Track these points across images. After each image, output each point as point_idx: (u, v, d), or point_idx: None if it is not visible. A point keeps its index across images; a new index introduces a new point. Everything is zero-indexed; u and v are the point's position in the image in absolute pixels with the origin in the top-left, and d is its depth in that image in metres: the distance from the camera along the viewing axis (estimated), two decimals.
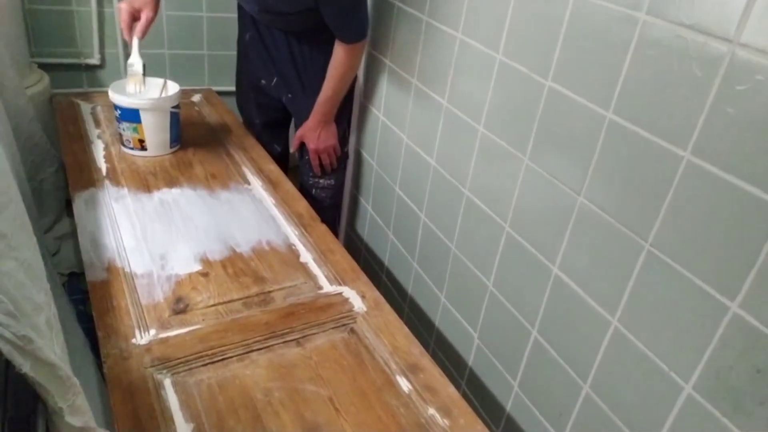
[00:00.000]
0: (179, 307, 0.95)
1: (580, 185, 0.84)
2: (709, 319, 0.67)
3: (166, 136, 1.39)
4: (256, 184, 1.33)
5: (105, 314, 0.91)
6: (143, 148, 1.38)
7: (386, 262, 1.45)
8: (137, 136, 1.37)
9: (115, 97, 1.33)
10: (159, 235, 1.12)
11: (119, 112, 1.35)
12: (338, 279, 1.05)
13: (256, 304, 0.97)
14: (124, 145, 1.40)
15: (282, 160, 1.55)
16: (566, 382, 0.90)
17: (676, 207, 0.71)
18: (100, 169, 1.32)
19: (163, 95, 1.40)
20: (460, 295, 1.16)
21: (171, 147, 1.42)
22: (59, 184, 1.62)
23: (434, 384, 0.86)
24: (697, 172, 0.68)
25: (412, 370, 0.88)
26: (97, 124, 1.54)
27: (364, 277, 1.06)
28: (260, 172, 1.38)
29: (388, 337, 0.93)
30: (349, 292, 1.02)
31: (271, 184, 1.33)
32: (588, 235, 0.84)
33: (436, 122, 1.16)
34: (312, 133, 1.39)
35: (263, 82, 1.47)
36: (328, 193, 1.51)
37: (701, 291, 0.68)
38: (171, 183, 1.30)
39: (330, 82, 1.31)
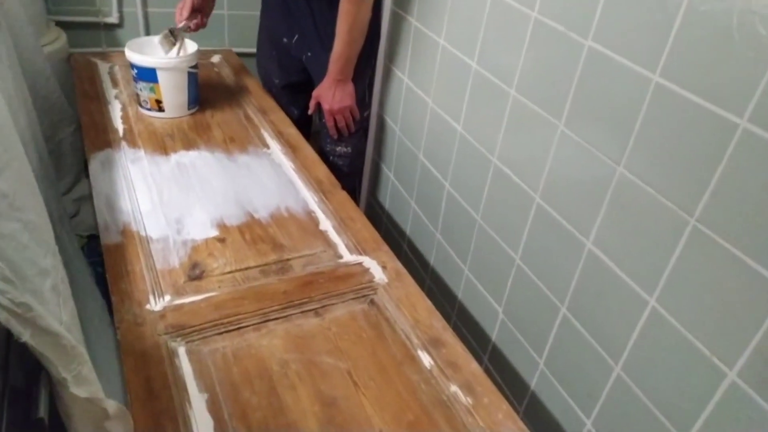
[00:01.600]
0: (195, 273, 0.92)
1: (620, 154, 0.78)
2: (761, 302, 0.62)
3: (184, 97, 1.35)
4: (275, 147, 1.29)
5: (119, 279, 0.89)
6: (161, 109, 1.34)
7: (408, 232, 1.41)
8: (154, 97, 1.33)
9: (132, 55, 1.29)
10: (175, 199, 1.09)
11: (136, 71, 1.31)
12: (359, 248, 1.01)
13: (274, 272, 0.94)
14: (141, 106, 1.36)
15: (302, 123, 1.50)
16: (596, 362, 0.85)
17: (728, 180, 0.65)
18: (116, 130, 1.29)
19: (181, 55, 1.36)
20: (485, 268, 1.11)
21: (189, 109, 1.38)
22: (78, 144, 1.59)
23: (457, 360, 0.82)
24: (754, 142, 0.62)
25: (434, 344, 0.84)
26: (115, 83, 1.50)
27: (385, 247, 1.02)
28: (280, 136, 1.33)
29: (410, 309, 0.90)
30: (369, 262, 0.98)
31: (291, 149, 1.29)
32: (627, 208, 0.78)
33: (464, 85, 1.10)
34: (327, 92, 1.33)
35: (285, 40, 1.41)
36: (345, 161, 1.46)
37: (752, 271, 0.63)
38: (189, 145, 1.26)
39: (339, 36, 1.25)
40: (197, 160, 1.21)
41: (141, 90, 1.33)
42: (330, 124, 1.39)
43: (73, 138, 1.60)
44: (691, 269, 0.70)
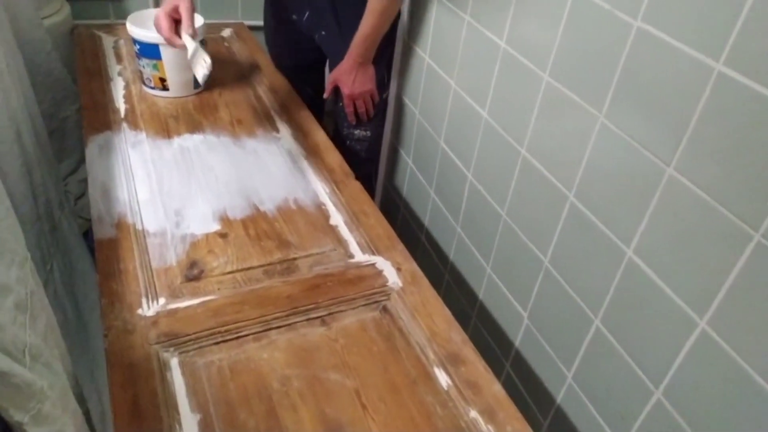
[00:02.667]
0: (193, 273, 0.84)
1: (671, 154, 0.68)
2: None
3: (190, 75, 1.26)
4: (285, 132, 1.20)
5: (110, 278, 0.81)
6: (165, 88, 1.26)
7: (426, 223, 1.32)
8: (158, 74, 1.24)
9: (134, 30, 1.21)
10: (176, 187, 1.01)
11: (138, 47, 1.23)
12: (371, 247, 0.93)
13: (279, 273, 0.86)
14: (144, 84, 1.28)
15: (315, 105, 1.41)
16: (633, 383, 0.77)
17: None
18: (118, 110, 1.22)
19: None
20: (510, 269, 1.02)
21: (195, 88, 1.30)
22: (83, 122, 1.53)
23: (478, 380, 0.74)
24: None
25: (452, 361, 0.76)
26: (119, 59, 1.42)
27: (400, 246, 0.94)
28: (291, 119, 1.24)
29: (426, 319, 0.81)
30: (383, 263, 0.90)
31: (302, 133, 1.20)
32: (676, 215, 0.68)
33: (491, 67, 0.99)
34: (347, 76, 1.23)
35: (294, 17, 1.30)
36: (364, 146, 1.36)
37: None
38: (193, 128, 1.18)
39: (370, 16, 1.15)
40: (201, 145, 1.13)
41: (144, 67, 1.25)
42: (350, 109, 1.29)
43: (78, 116, 1.53)
44: (752, 290, 0.61)
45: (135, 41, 1.22)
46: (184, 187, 1.01)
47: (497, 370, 1.09)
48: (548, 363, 0.94)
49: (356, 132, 1.33)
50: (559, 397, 0.92)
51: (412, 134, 1.33)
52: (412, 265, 0.90)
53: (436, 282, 1.27)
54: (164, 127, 1.18)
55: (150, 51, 1.21)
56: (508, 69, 0.96)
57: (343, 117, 1.32)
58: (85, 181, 1.59)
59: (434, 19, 1.17)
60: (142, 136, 1.14)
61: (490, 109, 1.02)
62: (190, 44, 1.11)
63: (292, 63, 1.40)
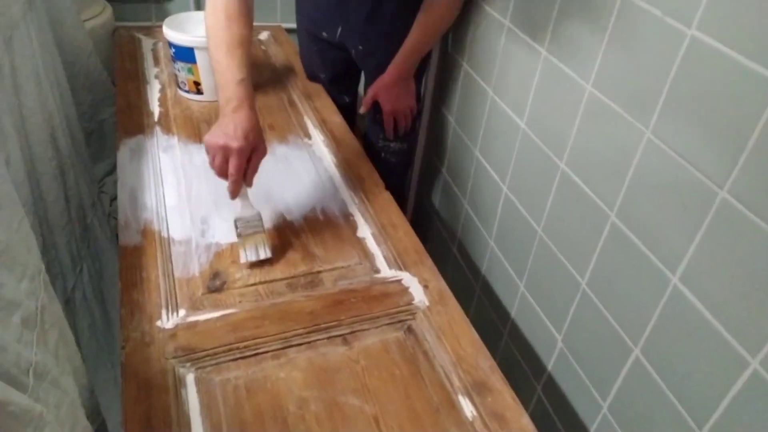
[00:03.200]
0: (215, 284, 0.83)
1: (725, 176, 0.62)
2: None
3: None
4: (317, 138, 1.18)
5: (132, 287, 0.80)
6: (199, 92, 1.26)
7: (459, 234, 1.28)
8: (192, 78, 1.24)
9: (169, 33, 1.21)
10: (204, 194, 1.00)
11: (174, 50, 1.22)
12: (398, 262, 0.89)
13: (302, 287, 0.84)
14: (179, 88, 1.28)
15: (349, 112, 1.37)
16: (675, 421, 0.71)
17: None
18: (152, 114, 1.21)
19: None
20: (544, 288, 0.97)
21: None
22: (116, 125, 1.54)
23: (505, 411, 0.69)
24: None
25: (478, 389, 0.72)
26: (157, 62, 1.42)
27: (428, 261, 0.90)
28: (323, 125, 1.22)
29: (452, 341, 0.77)
30: (409, 280, 0.86)
31: (334, 140, 1.17)
32: (730, 242, 0.63)
33: (531, 75, 0.95)
34: (388, 91, 1.18)
35: (325, 34, 1.25)
36: (399, 158, 1.32)
37: None
38: None
39: (424, 31, 1.10)
40: None
41: (179, 71, 1.25)
42: (390, 126, 1.24)
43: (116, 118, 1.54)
44: None
45: (171, 44, 1.22)
46: (211, 194, 1.00)
47: (528, 393, 1.04)
48: (583, 391, 0.89)
49: (392, 145, 1.28)
50: (593, 428, 0.87)
51: (446, 143, 1.29)
52: (439, 283, 0.86)
53: (466, 296, 1.23)
54: (196, 131, 1.17)
55: (185, 54, 1.21)
56: (549, 78, 0.91)
57: (378, 130, 1.28)
58: None
59: (472, 24, 1.13)
60: (174, 140, 1.13)
61: (528, 120, 0.97)
62: (249, 199, 0.88)
63: (326, 77, 1.35)
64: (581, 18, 0.82)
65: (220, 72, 0.86)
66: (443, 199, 1.35)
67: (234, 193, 0.84)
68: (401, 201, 1.09)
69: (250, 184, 0.86)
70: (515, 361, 1.07)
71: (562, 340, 0.93)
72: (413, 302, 0.83)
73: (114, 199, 1.59)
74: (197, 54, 1.20)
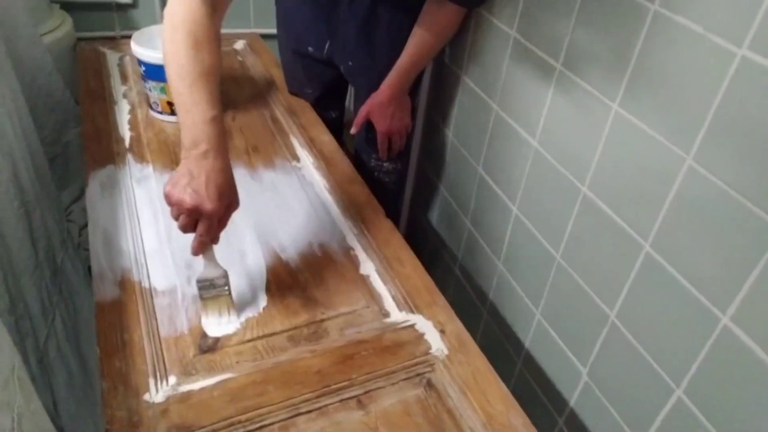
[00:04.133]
0: (207, 343, 0.73)
1: None
2: None
3: None
4: (306, 161, 1.09)
5: (113, 353, 0.71)
6: (173, 113, 1.15)
7: (460, 256, 1.20)
8: (166, 98, 1.13)
9: (138, 50, 1.10)
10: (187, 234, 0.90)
11: (144, 68, 1.12)
12: (409, 302, 0.81)
13: (306, 339, 0.75)
14: (151, 108, 1.17)
15: (337, 128, 1.27)
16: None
17: None
18: (122, 139, 1.11)
19: None
20: (566, 318, 0.90)
21: None
22: (84, 155, 1.42)
23: None
24: None
25: None
26: (124, 79, 1.31)
27: (441, 300, 0.82)
28: (312, 144, 1.13)
29: (479, 397, 0.70)
30: (423, 324, 0.78)
31: (324, 161, 1.08)
32: None
33: (544, 91, 0.87)
34: (383, 110, 1.09)
35: (311, 49, 1.15)
36: (393, 178, 1.23)
37: None
38: None
39: (421, 46, 1.01)
40: None
41: (151, 90, 1.14)
42: (384, 146, 1.15)
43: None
44: None
45: (140, 62, 1.11)
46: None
47: (548, 428, 0.97)
48: (610, 423, 0.82)
49: (385, 165, 1.20)
50: None
51: (445, 159, 1.21)
52: (456, 325, 0.78)
53: (473, 321, 1.15)
54: (173, 158, 1.07)
55: (157, 73, 1.10)
56: (566, 94, 0.83)
57: (370, 149, 1.19)
58: None
59: (472, 34, 1.04)
60: (149, 170, 1.03)
61: (542, 139, 0.89)
62: (215, 269, 0.75)
63: (314, 94, 1.25)
64: (603, 30, 0.74)
65: (185, 108, 0.70)
66: (442, 217, 1.27)
67: (198, 252, 0.72)
68: (396, 222, 1.01)
69: (216, 242, 0.73)
70: (533, 394, 1.00)
71: (588, 373, 0.86)
72: (431, 351, 0.75)
73: (83, 227, 1.48)
74: None
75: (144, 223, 0.91)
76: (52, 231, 1.10)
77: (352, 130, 1.14)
